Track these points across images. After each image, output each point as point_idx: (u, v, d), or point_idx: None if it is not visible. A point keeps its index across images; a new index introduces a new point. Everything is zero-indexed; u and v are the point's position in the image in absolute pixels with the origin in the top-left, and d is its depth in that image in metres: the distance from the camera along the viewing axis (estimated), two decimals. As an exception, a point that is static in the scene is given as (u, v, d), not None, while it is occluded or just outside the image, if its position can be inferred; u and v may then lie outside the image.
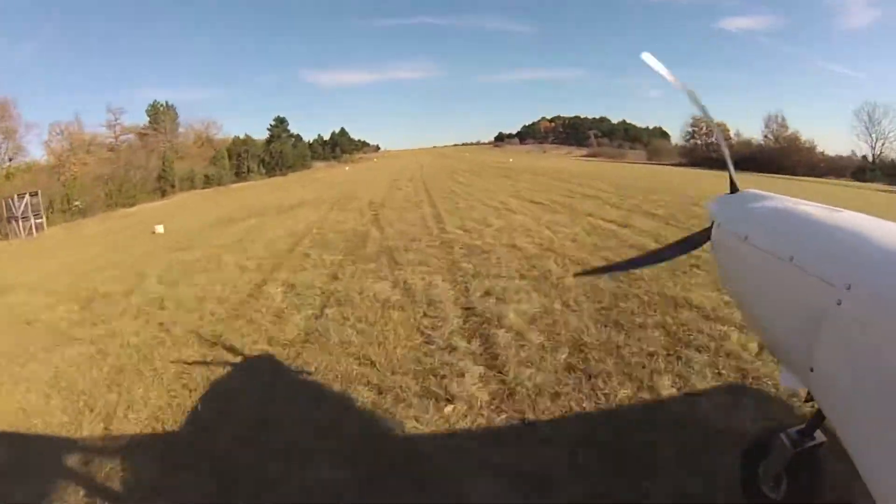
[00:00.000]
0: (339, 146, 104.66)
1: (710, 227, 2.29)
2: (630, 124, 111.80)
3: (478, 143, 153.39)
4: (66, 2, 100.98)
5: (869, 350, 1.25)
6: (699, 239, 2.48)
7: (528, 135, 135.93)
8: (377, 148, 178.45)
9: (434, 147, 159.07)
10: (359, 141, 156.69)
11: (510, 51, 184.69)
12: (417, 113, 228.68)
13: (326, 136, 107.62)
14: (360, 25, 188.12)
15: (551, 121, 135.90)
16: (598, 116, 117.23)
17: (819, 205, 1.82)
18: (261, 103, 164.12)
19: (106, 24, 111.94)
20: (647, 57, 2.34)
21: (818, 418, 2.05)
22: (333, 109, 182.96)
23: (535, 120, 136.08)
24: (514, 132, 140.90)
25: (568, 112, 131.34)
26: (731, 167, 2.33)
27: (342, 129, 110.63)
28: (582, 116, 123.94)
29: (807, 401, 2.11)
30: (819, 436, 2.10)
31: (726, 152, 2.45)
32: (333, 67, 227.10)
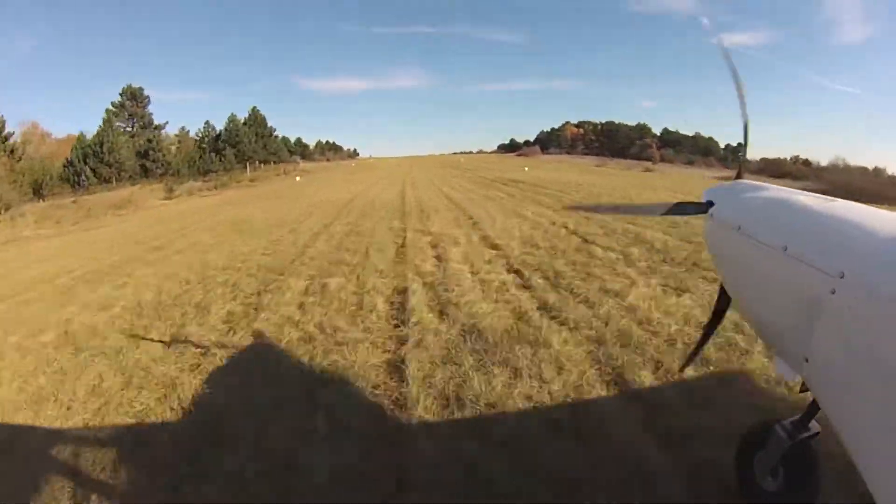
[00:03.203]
0: (237, 146, 44.85)
1: (702, 203, 2.05)
2: (694, 135, 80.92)
3: (480, 153, 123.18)
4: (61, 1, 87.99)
5: (863, 339, 1.15)
6: (700, 208, 2.08)
7: (551, 142, 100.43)
8: (354, 154, 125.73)
9: (430, 155, 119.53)
10: (323, 143, 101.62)
11: (504, 61, 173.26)
12: (411, 120, 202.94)
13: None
14: (354, 33, 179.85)
15: (579, 126, 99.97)
16: (633, 123, 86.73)
17: (812, 194, 1.65)
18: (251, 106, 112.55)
19: (100, 25, 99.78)
20: (707, 24, 2.19)
21: (813, 409, 1.83)
22: (326, 116, 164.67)
23: (558, 126, 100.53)
24: (531, 139, 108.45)
25: (560, 122, 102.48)
26: (744, 157, 2.21)
27: (254, 111, 50.49)
28: (617, 122, 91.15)
29: (802, 391, 1.71)
30: (814, 426, 1.89)
31: (746, 139, 2.11)
32: (327, 74, 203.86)
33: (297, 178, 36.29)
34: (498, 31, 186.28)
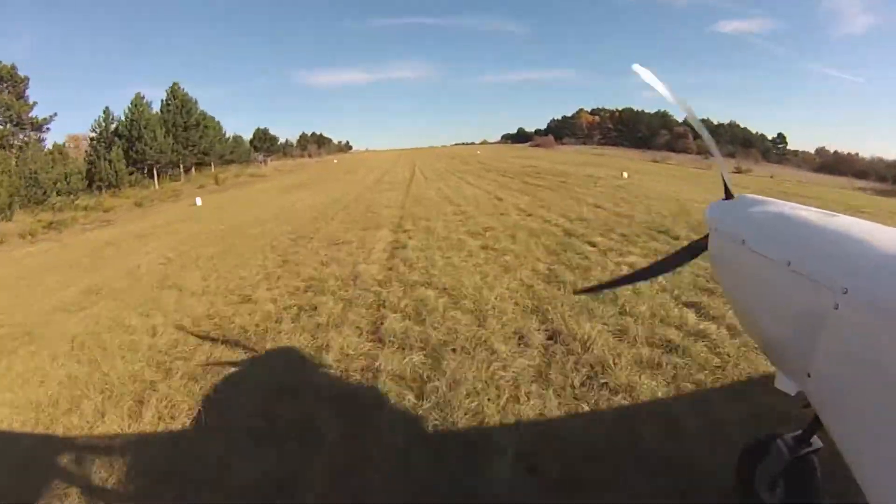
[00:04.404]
0: (136, 145, 27.24)
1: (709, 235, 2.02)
2: (731, 125, 66.23)
3: (484, 143, 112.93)
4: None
5: (866, 354, 1.12)
6: (699, 246, 2.07)
7: (564, 131, 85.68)
8: (346, 147, 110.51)
9: (431, 147, 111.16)
10: (307, 136, 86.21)
11: (506, 51, 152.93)
12: (411, 112, 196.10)
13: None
14: (354, 26, 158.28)
15: (594, 113, 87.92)
16: (653, 111, 71.79)
17: (816, 209, 1.57)
18: (253, 103, 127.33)
19: (98, 22, 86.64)
20: (638, 68, 2.05)
21: (815, 424, 1.74)
22: (325, 110, 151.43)
23: (570, 113, 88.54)
24: (541, 128, 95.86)
25: (562, 111, 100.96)
26: (726, 174, 2.05)
27: (174, 90, 32.61)
28: (636, 109, 78.93)
29: (804, 406, 1.60)
30: (816, 441, 1.81)
31: (720, 159, 2.13)
32: (327, 67, 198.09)
33: (198, 202, 19.10)
34: (498, 21, 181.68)
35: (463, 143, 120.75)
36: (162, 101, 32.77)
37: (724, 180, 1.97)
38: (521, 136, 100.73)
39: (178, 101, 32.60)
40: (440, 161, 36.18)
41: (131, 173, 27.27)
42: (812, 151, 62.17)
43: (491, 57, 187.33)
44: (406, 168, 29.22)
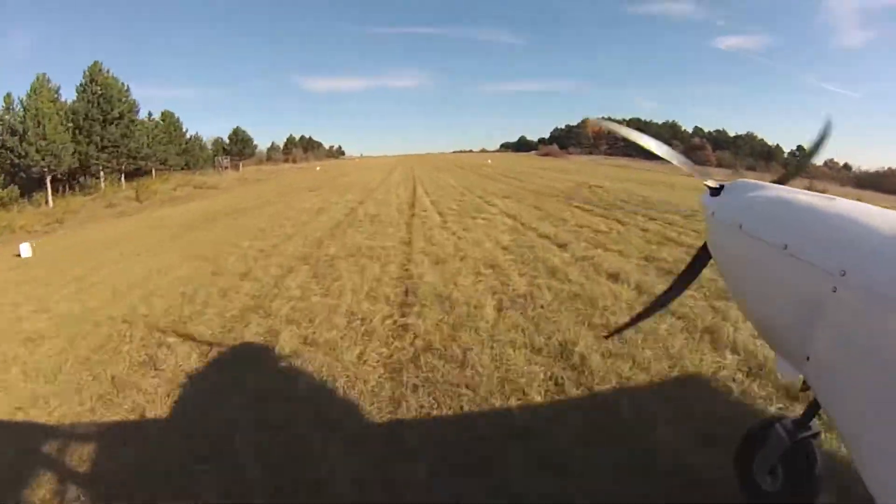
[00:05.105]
0: (20, 146, 18.83)
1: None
2: (749, 136, 61.52)
3: (483, 151, 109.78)
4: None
5: (864, 337, 1.11)
6: (705, 258, 2.10)
7: (569, 141, 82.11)
8: (339, 152, 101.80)
9: (429, 154, 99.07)
10: (295, 139, 79.47)
11: (503, 61, 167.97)
12: (409, 119, 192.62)
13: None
14: (353, 32, 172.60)
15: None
16: (662, 121, 70.34)
17: (813, 193, 1.60)
18: (252, 103, 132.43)
19: (99, 22, 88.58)
20: (593, 120, 2.24)
21: (814, 408, 1.76)
22: (321, 114, 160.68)
23: (575, 122, 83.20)
24: (544, 137, 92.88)
25: (559, 121, 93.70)
26: (699, 175, 2.11)
27: (94, 71, 24.05)
28: (644, 119, 74.72)
29: (802, 390, 1.62)
30: (815, 426, 1.81)
31: (692, 167, 2.24)
32: (326, 73, 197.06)
33: (24, 252, 10.72)
34: (496, 32, 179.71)
35: (462, 151, 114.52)
36: (77, 87, 24.14)
37: (704, 182, 1.99)
38: (522, 145, 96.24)
39: (97, 88, 23.94)
40: (447, 172, 27.77)
41: (3, 186, 18.51)
42: (820, 164, 61.88)
43: (489, 67, 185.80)
44: (403, 184, 20.24)
